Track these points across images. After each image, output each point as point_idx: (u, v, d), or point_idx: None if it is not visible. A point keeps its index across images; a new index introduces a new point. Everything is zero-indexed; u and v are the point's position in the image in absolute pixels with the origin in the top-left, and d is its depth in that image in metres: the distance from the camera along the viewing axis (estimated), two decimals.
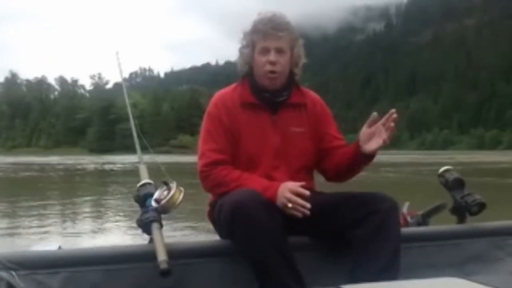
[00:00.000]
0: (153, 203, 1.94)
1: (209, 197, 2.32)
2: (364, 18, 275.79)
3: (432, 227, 2.51)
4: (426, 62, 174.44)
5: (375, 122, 2.12)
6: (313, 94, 2.42)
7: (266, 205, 1.97)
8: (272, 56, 2.20)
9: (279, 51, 2.22)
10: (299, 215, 2.04)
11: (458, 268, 2.30)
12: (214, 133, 2.23)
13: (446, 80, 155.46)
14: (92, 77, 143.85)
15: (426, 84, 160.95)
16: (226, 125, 2.22)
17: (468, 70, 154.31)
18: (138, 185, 2.03)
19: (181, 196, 1.96)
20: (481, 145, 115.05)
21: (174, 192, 1.95)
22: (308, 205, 2.02)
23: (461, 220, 2.44)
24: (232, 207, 1.95)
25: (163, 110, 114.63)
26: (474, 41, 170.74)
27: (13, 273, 1.78)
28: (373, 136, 2.11)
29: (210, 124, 2.26)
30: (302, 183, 2.11)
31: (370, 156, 2.15)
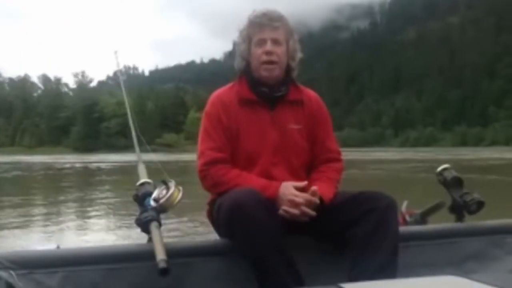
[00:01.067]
0: (152, 202, 1.94)
1: (208, 196, 2.32)
2: (349, 16, 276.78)
3: (431, 226, 2.53)
4: (410, 60, 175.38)
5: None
6: (311, 92, 2.42)
7: (265, 204, 1.97)
8: (268, 46, 2.22)
9: (275, 41, 2.23)
10: (305, 219, 2.06)
11: (457, 267, 2.32)
12: (213, 132, 2.23)
13: (430, 77, 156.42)
14: (75, 75, 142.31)
15: (410, 82, 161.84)
16: (225, 124, 2.22)
17: (452, 68, 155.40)
18: (137, 184, 2.02)
19: (180, 195, 1.96)
20: (464, 142, 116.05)
21: (173, 191, 1.95)
22: (313, 213, 2.05)
23: (460, 218, 2.44)
24: (231, 206, 1.95)
25: (147, 108, 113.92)
26: (458, 39, 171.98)
27: (12, 272, 1.78)
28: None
29: (208, 124, 2.26)
30: (305, 182, 2.12)
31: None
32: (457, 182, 2.44)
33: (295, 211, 2.04)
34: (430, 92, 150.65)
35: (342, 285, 1.39)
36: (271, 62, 2.23)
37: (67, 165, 34.94)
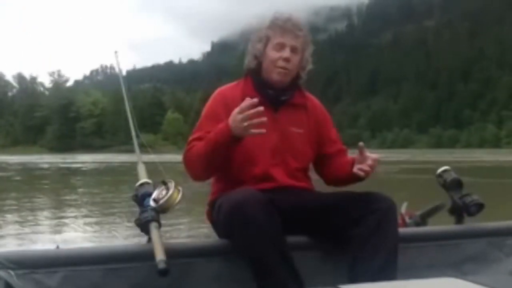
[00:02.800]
0: (152, 203, 1.93)
1: (207, 197, 2.32)
2: (326, 18, 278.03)
3: (430, 227, 2.53)
4: (387, 63, 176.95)
5: (361, 151, 2.15)
6: (314, 98, 2.44)
7: (265, 205, 1.97)
8: (286, 53, 2.21)
9: (294, 50, 2.23)
10: (261, 131, 2.01)
11: (457, 268, 2.32)
12: (205, 125, 2.23)
13: (406, 80, 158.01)
14: (51, 74, 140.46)
15: (387, 84, 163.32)
16: (224, 120, 2.19)
17: (428, 71, 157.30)
18: (137, 184, 2.02)
19: (179, 196, 1.95)
20: (439, 144, 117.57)
21: (172, 191, 1.94)
22: (261, 108, 1.95)
23: (459, 220, 2.45)
24: (231, 207, 1.95)
25: (124, 108, 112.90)
26: (434, 42, 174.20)
27: (11, 272, 1.77)
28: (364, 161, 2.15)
29: (204, 118, 2.27)
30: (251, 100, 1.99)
31: (358, 178, 2.18)
32: (457, 184, 2.44)
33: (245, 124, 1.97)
34: (406, 94, 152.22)
35: (342, 286, 1.39)
36: (285, 69, 2.23)
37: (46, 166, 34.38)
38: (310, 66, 2.36)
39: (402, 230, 2.24)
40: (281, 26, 2.24)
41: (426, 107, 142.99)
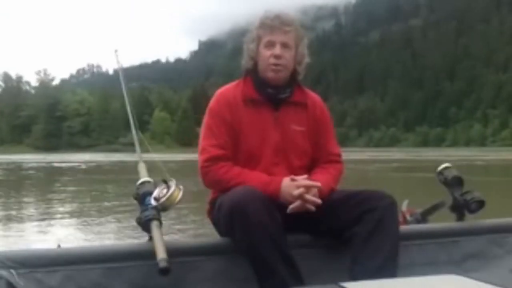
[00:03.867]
0: (153, 201, 1.93)
1: (209, 195, 2.32)
2: (314, 17, 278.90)
3: (431, 225, 2.53)
4: (374, 62, 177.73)
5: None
6: (314, 95, 2.43)
7: (266, 204, 1.97)
8: (277, 50, 2.22)
9: (285, 45, 2.23)
10: (311, 208, 2.07)
11: (458, 266, 2.33)
12: (215, 129, 2.23)
13: (393, 79, 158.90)
14: (37, 73, 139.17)
15: (374, 83, 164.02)
16: (228, 122, 2.22)
17: (414, 70, 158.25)
18: (138, 183, 2.01)
19: (180, 194, 1.95)
20: (426, 143, 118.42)
21: (173, 190, 1.95)
22: (319, 201, 2.06)
23: (460, 217, 2.44)
24: (231, 206, 1.96)
25: (111, 107, 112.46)
26: (420, 41, 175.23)
27: (13, 271, 1.77)
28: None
29: (211, 120, 2.26)
30: (305, 176, 2.13)
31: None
32: (458, 181, 2.44)
33: (299, 204, 2.07)
34: (393, 93, 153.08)
35: (343, 284, 1.39)
36: (277, 65, 2.23)
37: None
38: (307, 60, 2.35)
39: (403, 227, 2.24)
40: (270, 24, 2.24)
41: (413, 106, 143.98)
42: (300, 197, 2.07)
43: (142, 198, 1.97)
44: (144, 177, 2.04)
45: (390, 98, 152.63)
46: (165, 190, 1.95)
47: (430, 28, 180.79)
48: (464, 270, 2.25)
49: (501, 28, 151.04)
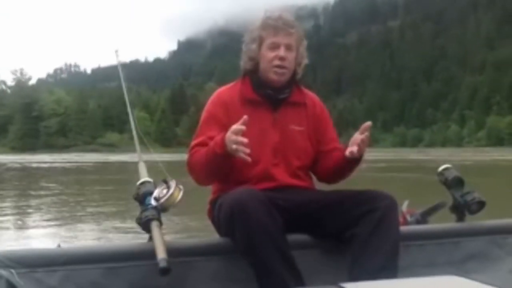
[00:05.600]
0: (153, 202, 1.94)
1: (209, 195, 2.32)
2: (294, 17, 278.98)
3: (431, 226, 2.53)
4: (352, 62, 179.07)
5: (365, 129, 2.15)
6: (312, 95, 2.44)
7: (266, 204, 1.96)
8: (282, 52, 2.21)
9: (288, 47, 2.24)
10: (247, 159, 2.00)
11: (458, 267, 2.33)
12: (206, 129, 2.23)
13: (371, 80, 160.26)
14: (13, 72, 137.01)
15: (352, 84, 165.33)
16: (223, 123, 2.19)
17: (392, 71, 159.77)
18: (138, 183, 2.01)
19: (180, 194, 1.95)
20: (403, 143, 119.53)
21: (173, 190, 1.94)
22: (245, 140, 1.97)
23: (460, 218, 2.44)
24: (232, 206, 1.95)
25: (89, 107, 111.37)
26: (398, 42, 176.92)
27: (13, 271, 1.77)
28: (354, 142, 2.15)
29: (204, 122, 2.27)
30: (242, 127, 2.01)
31: (352, 161, 2.20)
32: (458, 182, 2.43)
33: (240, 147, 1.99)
34: (371, 94, 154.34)
35: (343, 284, 1.39)
36: (282, 67, 2.23)
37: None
38: (305, 61, 2.36)
39: (403, 228, 2.23)
40: (273, 25, 2.24)
41: (390, 107, 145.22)
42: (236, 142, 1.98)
43: (142, 198, 1.97)
44: (144, 177, 2.04)
45: (368, 98, 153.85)
46: (165, 191, 1.95)
47: (408, 29, 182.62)
48: (465, 271, 2.23)
49: (478, 30, 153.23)
